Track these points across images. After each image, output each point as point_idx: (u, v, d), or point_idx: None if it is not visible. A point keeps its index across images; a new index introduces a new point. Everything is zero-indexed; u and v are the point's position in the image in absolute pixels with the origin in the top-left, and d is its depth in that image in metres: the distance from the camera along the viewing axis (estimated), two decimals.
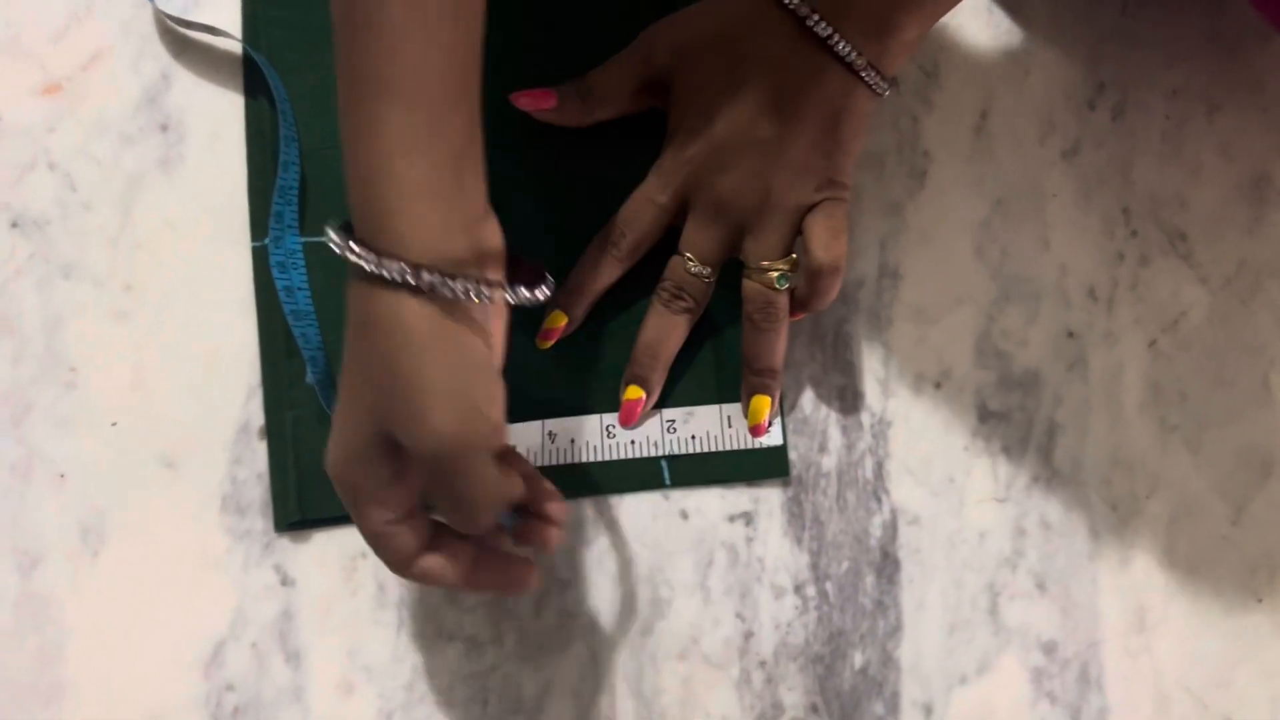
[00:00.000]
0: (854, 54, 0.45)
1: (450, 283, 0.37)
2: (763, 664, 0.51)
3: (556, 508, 0.44)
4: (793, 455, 0.52)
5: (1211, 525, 0.53)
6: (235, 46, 0.51)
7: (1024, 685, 0.51)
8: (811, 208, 0.48)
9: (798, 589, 0.51)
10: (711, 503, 0.51)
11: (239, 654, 0.49)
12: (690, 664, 0.50)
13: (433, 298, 0.37)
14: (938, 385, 0.53)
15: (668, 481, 0.51)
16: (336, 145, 0.50)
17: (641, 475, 0.51)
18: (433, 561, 0.41)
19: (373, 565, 0.49)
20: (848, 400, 0.52)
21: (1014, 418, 0.53)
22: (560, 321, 0.50)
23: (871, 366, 0.53)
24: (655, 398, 0.51)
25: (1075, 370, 0.54)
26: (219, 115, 0.51)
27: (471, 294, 0.38)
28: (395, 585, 0.49)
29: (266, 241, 0.50)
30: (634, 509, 0.51)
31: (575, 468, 0.50)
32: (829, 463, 0.52)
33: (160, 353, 0.50)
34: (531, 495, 0.44)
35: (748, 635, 0.51)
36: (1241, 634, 0.53)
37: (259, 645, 0.49)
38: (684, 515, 0.51)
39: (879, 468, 0.52)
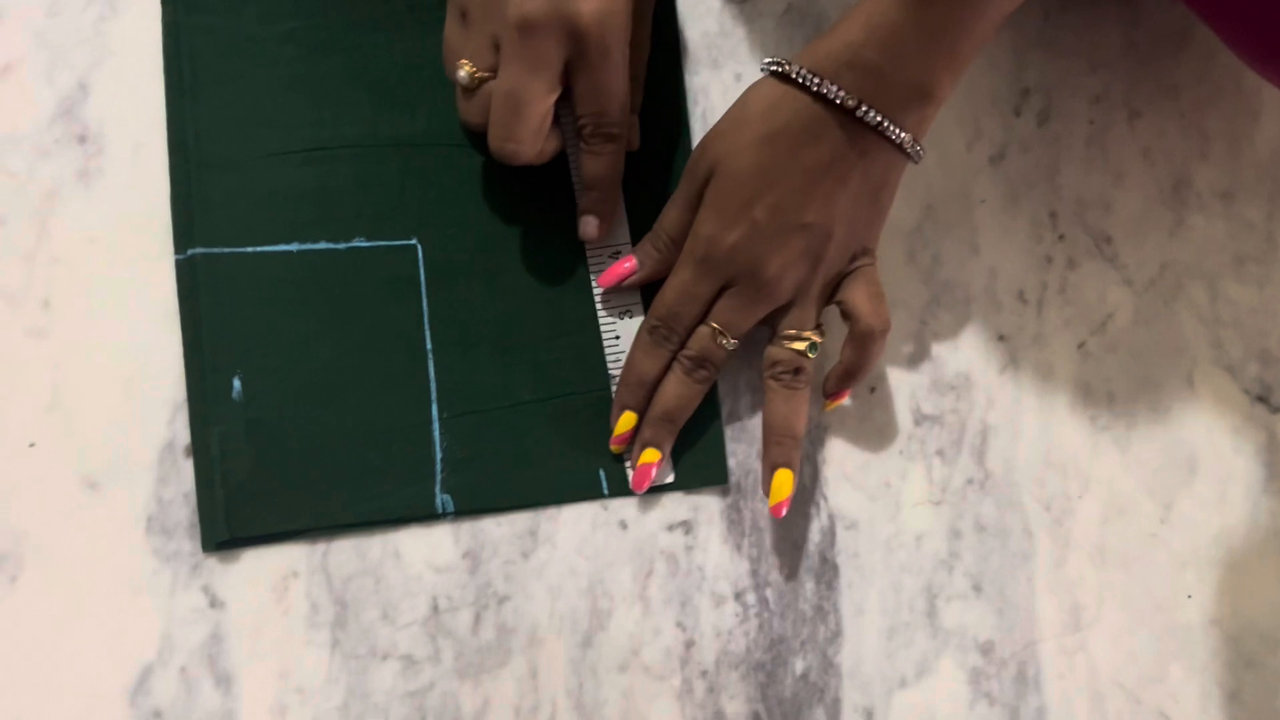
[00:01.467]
0: (901, 133, 0.46)
1: None
2: (704, 673, 0.50)
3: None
4: (731, 462, 0.52)
5: (1142, 524, 0.54)
6: (156, 55, 0.50)
7: (962, 686, 0.52)
8: (845, 275, 0.49)
9: (738, 596, 0.51)
10: (651, 512, 0.51)
11: (166, 680, 0.47)
12: (631, 675, 0.50)
13: None
14: (872, 390, 0.53)
15: (606, 491, 0.51)
16: (263, 155, 0.49)
17: (580, 485, 0.50)
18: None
19: (305, 584, 0.48)
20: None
21: (947, 421, 0.54)
22: (632, 423, 0.50)
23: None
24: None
25: (1006, 373, 0.54)
26: (140, 125, 0.50)
27: None
28: (329, 604, 0.48)
29: (191, 253, 0.48)
30: (573, 520, 0.51)
31: (512, 478, 0.50)
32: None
33: (80, 371, 0.48)
34: None
35: (689, 644, 0.50)
36: (1173, 630, 0.53)
37: (188, 670, 0.47)
38: (623, 525, 0.51)
39: (815, 475, 0.52)
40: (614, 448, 0.50)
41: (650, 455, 0.50)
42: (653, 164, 0.53)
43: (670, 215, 0.50)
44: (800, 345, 0.49)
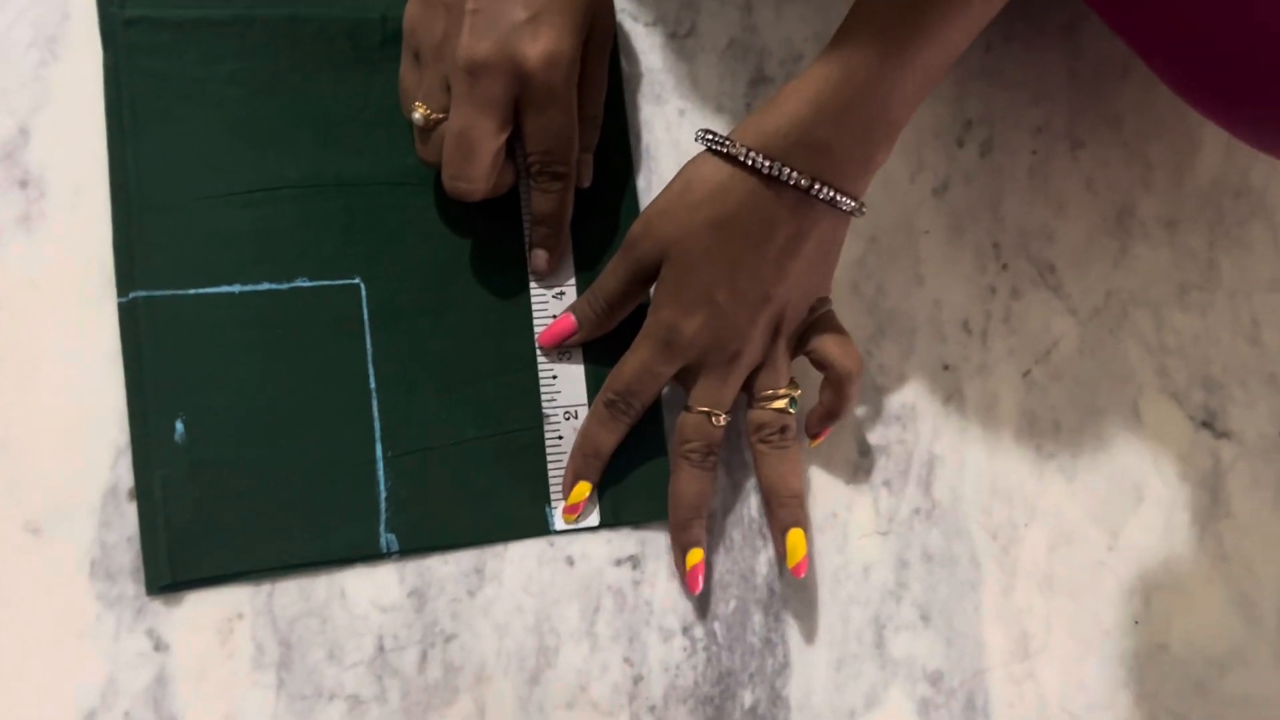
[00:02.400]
0: (852, 201, 0.47)
1: None
2: (652, 708, 0.50)
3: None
4: (670, 501, 0.52)
5: (1089, 551, 0.54)
6: (97, 99, 0.50)
7: (912, 717, 0.52)
8: (808, 325, 0.50)
9: (685, 630, 0.51)
10: (597, 548, 0.51)
11: None
12: (579, 712, 0.50)
13: None
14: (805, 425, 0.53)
15: (553, 527, 0.51)
16: (204, 196, 0.50)
17: (526, 522, 0.51)
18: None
19: (250, 626, 0.48)
20: (730, 438, 0.52)
21: (893, 451, 0.54)
22: (585, 493, 0.50)
23: (745, 408, 0.53)
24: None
25: (952, 402, 0.55)
26: (82, 169, 0.50)
27: None
28: (274, 645, 0.48)
29: (133, 296, 0.49)
30: (519, 557, 0.51)
31: (458, 516, 0.50)
32: (714, 501, 0.52)
33: (23, 414, 0.48)
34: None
35: (637, 680, 0.50)
36: (1121, 657, 0.54)
37: (131, 714, 0.47)
38: (570, 561, 0.51)
39: (763, 506, 0.52)
40: (566, 518, 0.51)
41: (696, 555, 0.50)
42: (595, 200, 0.53)
43: (609, 282, 0.50)
44: (780, 404, 0.50)
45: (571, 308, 0.51)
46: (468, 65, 0.45)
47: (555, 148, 0.49)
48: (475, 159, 0.47)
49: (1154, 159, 0.58)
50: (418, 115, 0.48)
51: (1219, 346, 0.57)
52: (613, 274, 0.50)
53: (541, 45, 0.46)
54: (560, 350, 0.52)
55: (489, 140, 0.47)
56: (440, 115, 0.48)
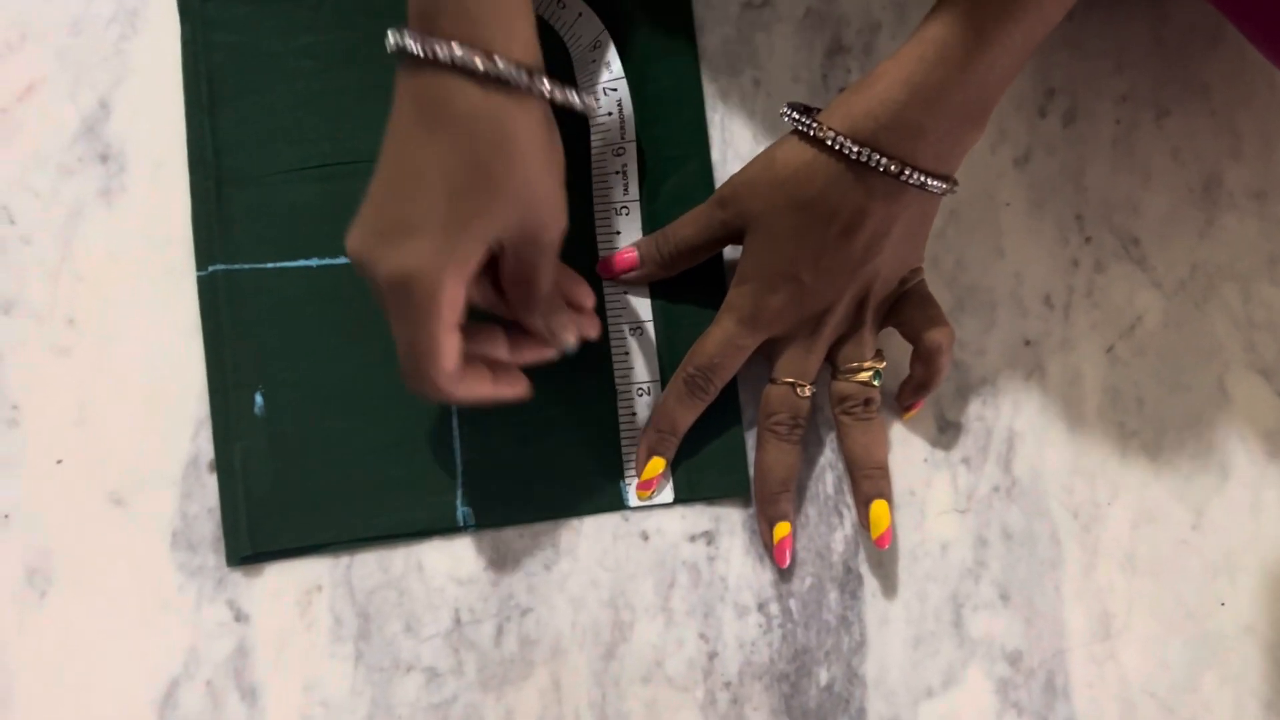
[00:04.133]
0: (941, 184, 0.45)
1: (537, 81, 0.39)
2: (728, 684, 0.50)
3: (585, 291, 0.48)
4: (752, 472, 0.51)
5: (1172, 530, 0.53)
6: (176, 72, 0.50)
7: (990, 696, 0.51)
8: (898, 297, 0.49)
9: (761, 607, 0.51)
10: (672, 523, 0.51)
11: (193, 693, 0.48)
12: (655, 687, 0.50)
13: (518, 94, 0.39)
14: (897, 397, 0.53)
15: (628, 503, 0.50)
16: (282, 170, 0.50)
17: (601, 497, 0.50)
18: (469, 371, 0.43)
19: (328, 598, 0.49)
20: (810, 415, 0.52)
21: (972, 428, 0.53)
22: (659, 469, 0.50)
23: (830, 380, 0.52)
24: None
25: (1033, 378, 0.54)
26: (161, 144, 0.50)
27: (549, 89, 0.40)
28: (352, 617, 0.49)
29: (212, 270, 0.49)
30: (594, 532, 0.50)
31: (533, 490, 0.50)
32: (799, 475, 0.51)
33: (105, 388, 0.49)
34: (566, 279, 0.47)
35: (712, 656, 0.50)
36: (1205, 639, 0.53)
37: (214, 683, 0.48)
38: (644, 536, 0.51)
39: (839, 482, 0.52)
40: (640, 494, 0.50)
41: (783, 528, 0.50)
42: (669, 169, 0.52)
43: (685, 230, 0.50)
44: (865, 376, 0.50)
45: (637, 244, 0.51)
46: (349, 256, 0.42)
47: (406, 363, 0.42)
48: (402, 350, 0.42)
49: (1243, 128, 0.57)
50: None
51: None
52: (691, 223, 0.50)
53: (395, 262, 0.40)
54: (631, 319, 0.51)
55: (396, 329, 0.42)
56: None
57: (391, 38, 0.39)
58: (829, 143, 0.44)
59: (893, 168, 0.44)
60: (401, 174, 0.41)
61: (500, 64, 0.38)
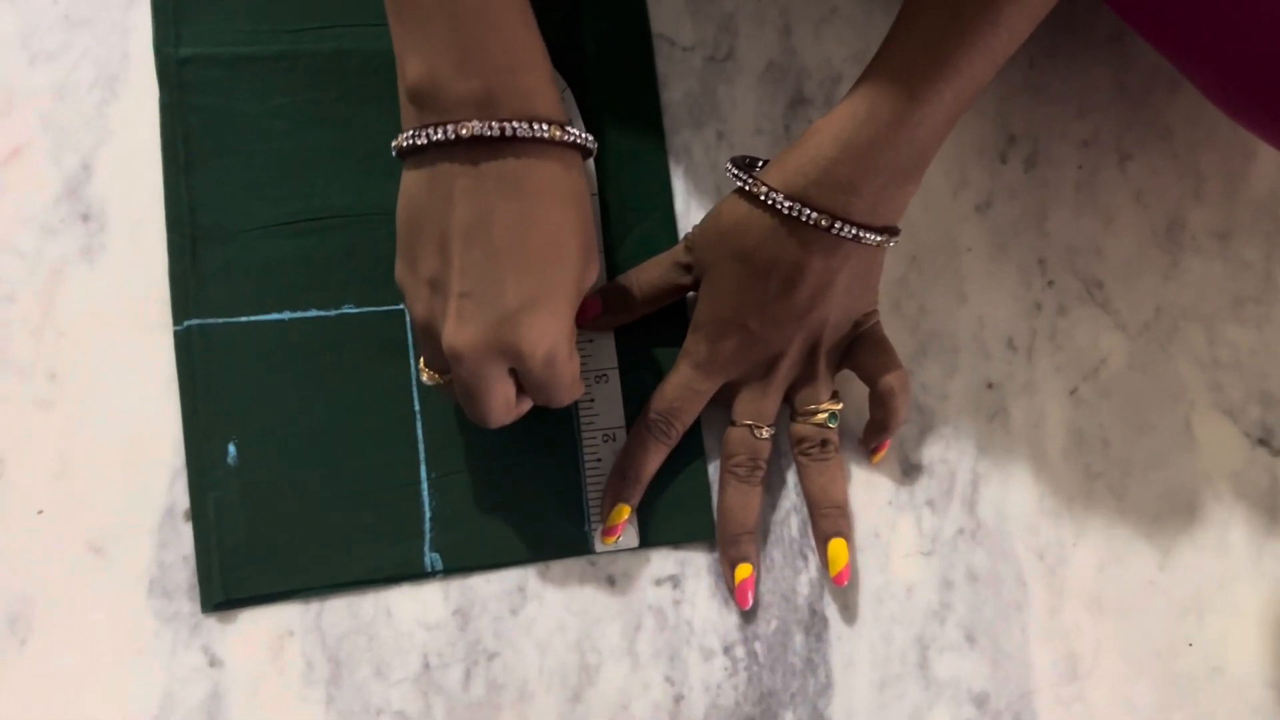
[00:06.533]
0: (876, 236, 0.46)
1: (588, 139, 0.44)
2: None
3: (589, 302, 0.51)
4: (717, 516, 0.52)
5: (1139, 570, 0.53)
6: (154, 134, 0.52)
7: None
8: (852, 340, 0.51)
9: (727, 650, 0.51)
10: (638, 567, 0.52)
11: None
12: None
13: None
14: (860, 440, 0.53)
15: (593, 548, 0.51)
16: (256, 226, 0.51)
17: (568, 541, 0.51)
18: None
19: (300, 643, 0.50)
20: (771, 458, 0.53)
21: (937, 470, 0.54)
22: (624, 515, 0.51)
23: (789, 422, 0.53)
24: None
25: (997, 421, 0.54)
26: (140, 203, 0.52)
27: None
28: (323, 662, 0.50)
29: (188, 324, 0.50)
30: (561, 576, 0.51)
31: (501, 535, 0.51)
32: (760, 517, 0.52)
33: (85, 439, 0.50)
34: None
35: (678, 699, 0.51)
36: (1174, 679, 0.53)
37: None
38: (611, 581, 0.52)
39: (804, 526, 0.53)
40: (605, 540, 0.51)
41: (745, 570, 0.51)
42: (634, 223, 0.53)
43: (647, 275, 0.51)
44: (821, 418, 0.51)
45: (601, 290, 0.52)
46: (452, 354, 0.43)
47: (556, 400, 0.46)
48: (486, 410, 0.45)
49: (1206, 169, 0.57)
50: (425, 378, 0.46)
51: (1276, 361, 0.56)
52: (655, 268, 0.51)
53: (536, 340, 0.42)
54: (596, 367, 0.52)
55: (493, 396, 0.44)
56: (448, 376, 0.46)
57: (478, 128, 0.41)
58: (762, 198, 0.46)
59: (823, 222, 0.45)
60: (503, 253, 0.42)
61: (570, 135, 0.42)
